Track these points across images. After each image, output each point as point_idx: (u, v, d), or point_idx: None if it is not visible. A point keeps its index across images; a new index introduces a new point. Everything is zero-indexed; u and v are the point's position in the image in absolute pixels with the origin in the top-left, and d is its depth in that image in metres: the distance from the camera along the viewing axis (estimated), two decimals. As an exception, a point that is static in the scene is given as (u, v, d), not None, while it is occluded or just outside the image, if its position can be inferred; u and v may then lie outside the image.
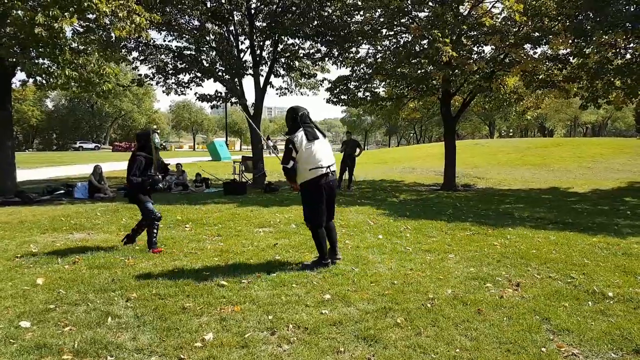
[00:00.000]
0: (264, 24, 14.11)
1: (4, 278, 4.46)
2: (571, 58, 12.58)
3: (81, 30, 10.21)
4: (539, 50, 13.18)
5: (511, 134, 71.60)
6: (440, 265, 5.07)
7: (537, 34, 12.07)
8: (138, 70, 14.80)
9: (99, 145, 61.69)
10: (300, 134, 4.70)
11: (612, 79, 11.77)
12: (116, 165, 23.41)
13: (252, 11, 13.91)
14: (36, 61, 9.47)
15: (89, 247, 5.75)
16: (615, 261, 5.29)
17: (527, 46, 12.62)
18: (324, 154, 4.76)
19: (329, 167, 4.77)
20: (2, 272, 4.69)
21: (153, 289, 4.12)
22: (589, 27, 11.13)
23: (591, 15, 11.25)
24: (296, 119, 4.80)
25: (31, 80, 10.00)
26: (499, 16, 12.87)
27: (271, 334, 3.30)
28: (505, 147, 26.43)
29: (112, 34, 9.71)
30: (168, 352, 2.99)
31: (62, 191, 10.86)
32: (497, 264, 5.16)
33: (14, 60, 9.05)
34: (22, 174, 16.19)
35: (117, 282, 4.30)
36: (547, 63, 12.80)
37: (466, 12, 13.05)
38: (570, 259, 5.37)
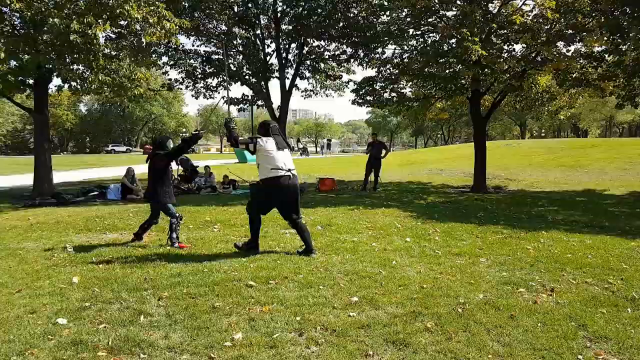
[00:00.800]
0: (290, 27, 14.20)
1: (42, 276, 4.61)
2: (606, 55, 12.17)
3: (113, 36, 10.50)
4: (572, 48, 12.81)
5: (543, 135, 69.89)
6: (471, 269, 4.97)
7: (570, 31, 11.73)
8: (168, 75, 15.13)
9: (130, 148, 63.20)
10: (272, 140, 5.52)
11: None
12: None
13: (279, 14, 14.01)
14: (71, 67, 9.79)
15: (122, 246, 5.90)
16: (656, 266, 5.07)
17: (560, 44, 12.28)
18: (286, 160, 5.53)
19: (289, 170, 5.48)
20: (40, 270, 4.85)
21: (184, 289, 4.19)
22: (625, 23, 10.74)
23: (628, 10, 10.84)
24: (268, 130, 5.64)
25: (66, 85, 10.34)
26: (529, 14, 12.55)
27: (299, 335, 3.30)
28: (538, 148, 25.78)
29: (143, 40, 9.94)
30: (199, 351, 3.03)
31: (95, 192, 11.16)
32: (530, 269, 5.02)
33: (51, 66, 9.35)
34: (58, 176, 16.70)
35: (149, 281, 4.39)
36: (581, 61, 12.41)
37: (496, 10, 12.79)
38: (607, 264, 5.18)
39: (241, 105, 14.33)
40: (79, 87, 10.13)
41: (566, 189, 13.93)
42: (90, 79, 9.55)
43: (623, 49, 11.33)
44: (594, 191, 13.29)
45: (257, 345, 3.10)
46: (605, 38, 11.37)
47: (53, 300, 3.92)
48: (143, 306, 3.77)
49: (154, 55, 12.97)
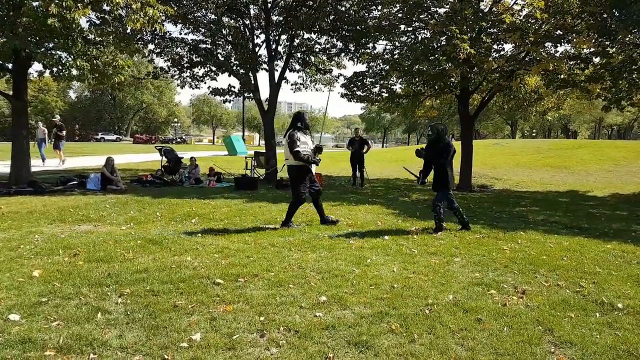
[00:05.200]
0: (280, 18, 14.00)
1: (3, 269, 4.46)
2: (594, 57, 12.17)
3: (98, 22, 10.26)
4: (560, 49, 12.81)
5: (534, 135, 70.27)
6: (444, 269, 4.92)
7: (558, 32, 11.70)
8: (154, 63, 14.87)
9: (120, 137, 62.64)
10: None
11: (637, 80, 11.34)
12: (134, 157, 23.69)
13: (269, 5, 13.81)
14: (52, 52, 9.55)
15: (92, 239, 5.75)
16: (629, 270, 5.05)
17: (548, 44, 12.25)
18: None
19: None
20: (2, 262, 4.69)
21: (147, 285, 4.07)
22: (613, 26, 10.73)
23: (616, 13, 10.84)
24: None
25: (47, 71, 10.09)
26: (520, 13, 12.51)
27: (260, 336, 3.21)
28: (526, 148, 25.90)
29: (127, 26, 9.72)
30: (152, 352, 2.93)
31: (75, 182, 10.92)
32: (504, 270, 4.98)
33: (29, 51, 9.12)
34: (40, 164, 16.45)
35: (112, 277, 4.26)
36: (569, 62, 12.40)
37: (487, 9, 12.73)
38: (581, 267, 5.15)
39: (227, 97, 14.08)
40: (59, 73, 9.89)
41: (550, 189, 13.98)
42: (68, 64, 9.32)
43: (610, 52, 11.32)
44: (577, 192, 13.34)
45: (214, 347, 3.01)
46: (593, 40, 11.35)
47: (9, 294, 3.78)
48: (102, 303, 3.65)
49: (139, 43, 12.70)
